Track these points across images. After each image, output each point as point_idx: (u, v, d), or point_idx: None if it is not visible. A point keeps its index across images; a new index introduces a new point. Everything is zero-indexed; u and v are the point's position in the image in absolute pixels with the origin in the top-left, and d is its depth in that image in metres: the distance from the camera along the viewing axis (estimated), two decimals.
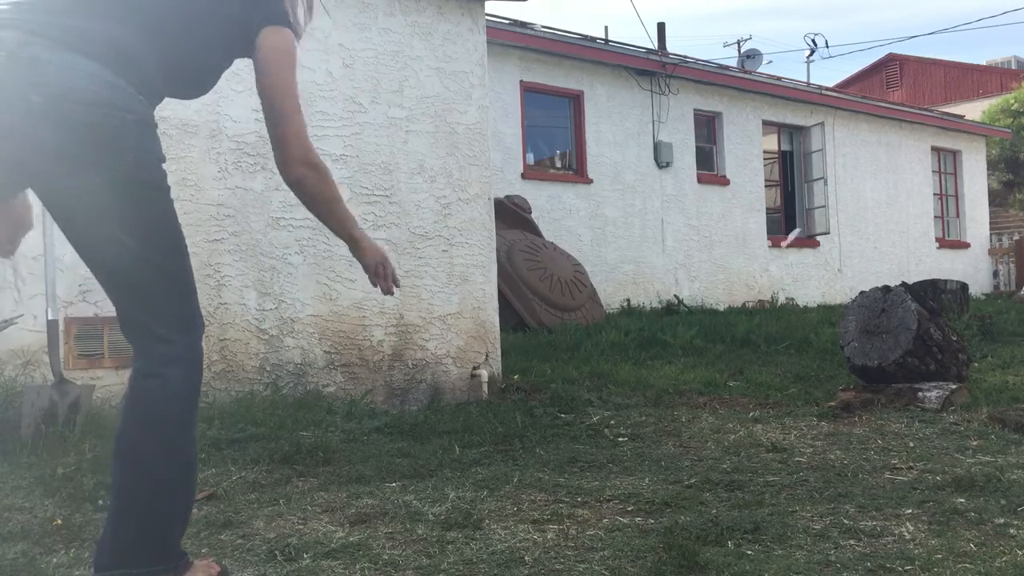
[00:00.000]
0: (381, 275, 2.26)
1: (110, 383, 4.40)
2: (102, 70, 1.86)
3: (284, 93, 2.10)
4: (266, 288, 5.03)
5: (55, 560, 2.47)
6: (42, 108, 1.79)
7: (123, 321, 2.03)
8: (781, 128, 14.69)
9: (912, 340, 5.00)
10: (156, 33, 2.00)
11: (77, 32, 1.87)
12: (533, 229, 9.98)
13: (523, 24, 11.14)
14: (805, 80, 17.01)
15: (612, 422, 4.61)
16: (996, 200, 21.87)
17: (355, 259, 2.29)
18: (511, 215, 9.70)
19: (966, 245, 17.63)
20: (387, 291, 2.26)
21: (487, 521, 2.78)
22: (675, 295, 11.93)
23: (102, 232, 1.93)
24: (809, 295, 14.09)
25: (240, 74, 4.99)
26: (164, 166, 2.03)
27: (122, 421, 1.98)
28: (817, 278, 14.57)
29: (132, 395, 1.99)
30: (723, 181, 13.29)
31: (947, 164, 17.68)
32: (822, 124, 14.60)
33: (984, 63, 29.66)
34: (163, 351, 1.98)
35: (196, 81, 2.23)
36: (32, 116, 1.79)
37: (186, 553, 2.04)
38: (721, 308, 11.93)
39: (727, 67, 14.68)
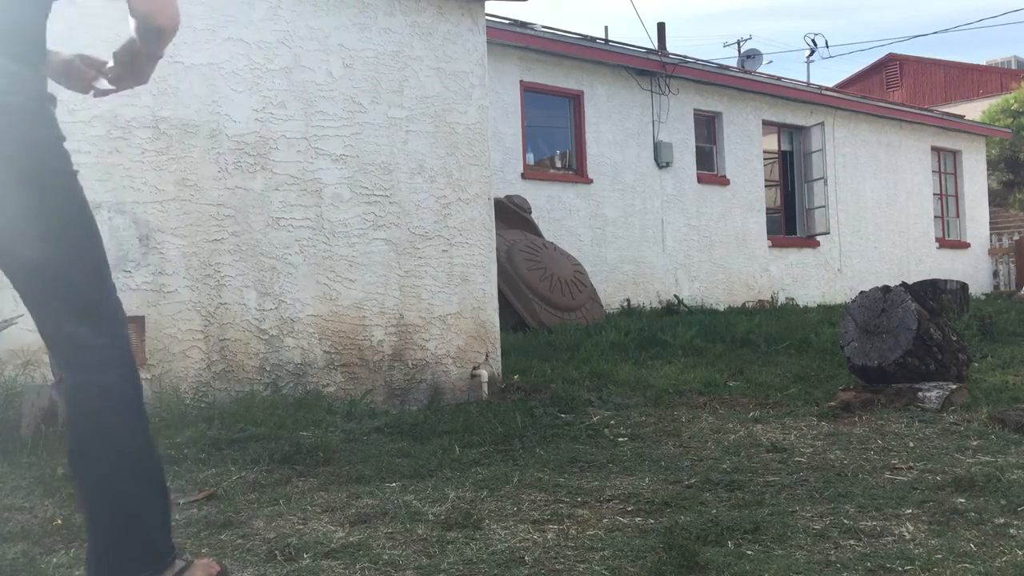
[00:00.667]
0: (123, 77, 2.03)
1: None
2: None
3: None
4: (266, 288, 5.03)
5: (55, 560, 2.47)
6: None
7: (42, 326, 1.92)
8: (781, 128, 14.69)
9: (912, 340, 5.00)
10: None
11: None
12: (533, 229, 9.98)
13: (523, 24, 11.14)
14: (805, 80, 17.02)
15: (612, 422, 4.61)
16: (996, 200, 21.87)
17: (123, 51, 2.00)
18: (511, 215, 9.70)
19: (966, 245, 17.63)
20: (86, 89, 2.06)
21: (487, 521, 2.78)
22: (675, 295, 11.93)
23: (7, 227, 1.83)
24: (809, 295, 14.09)
25: (240, 73, 5.00)
26: (65, 145, 1.91)
27: (69, 438, 1.91)
28: (817, 278, 14.57)
29: (72, 410, 1.90)
30: (723, 181, 13.29)
31: (947, 164, 17.68)
32: (822, 124, 14.60)
33: (984, 63, 29.67)
34: (92, 358, 1.88)
35: None
36: None
37: (175, 547, 2.01)
38: (721, 308, 11.93)
39: (727, 67, 14.68)
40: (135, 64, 2.00)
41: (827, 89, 16.66)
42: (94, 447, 1.88)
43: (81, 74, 2.07)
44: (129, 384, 1.93)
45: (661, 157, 12.35)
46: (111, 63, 2.03)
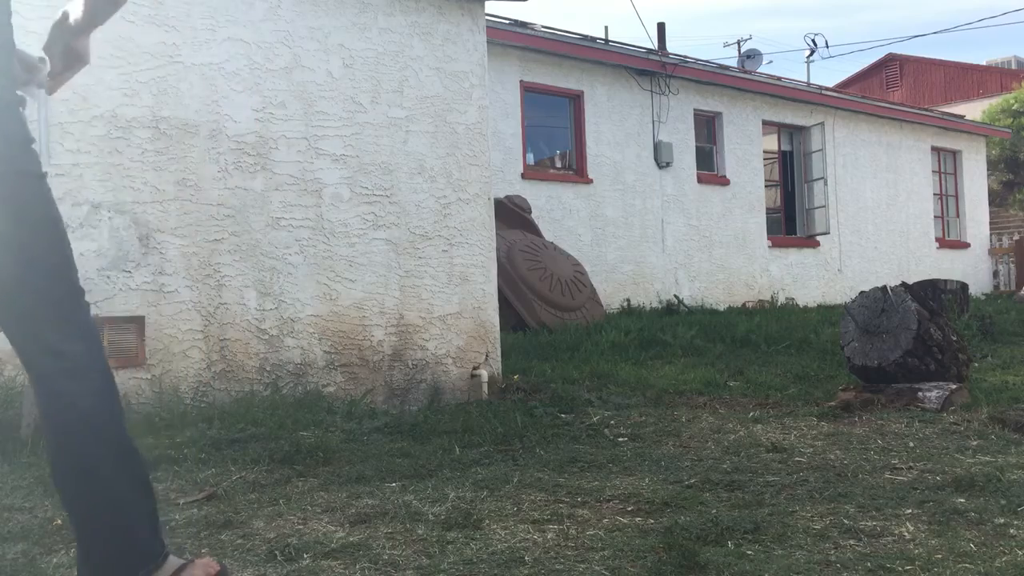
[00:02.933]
0: (66, 68, 1.94)
1: None
2: None
3: None
4: (266, 288, 5.03)
5: (55, 560, 2.47)
6: None
7: (15, 339, 1.87)
8: (781, 128, 14.69)
9: (912, 340, 5.00)
10: None
11: None
12: (533, 229, 9.98)
13: (523, 24, 11.14)
14: (805, 80, 17.02)
15: (612, 422, 4.61)
16: (996, 200, 21.87)
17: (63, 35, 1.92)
18: (511, 215, 9.70)
19: (966, 245, 17.63)
20: (51, 84, 1.97)
21: (487, 521, 2.78)
22: (675, 295, 11.93)
23: None
24: (809, 295, 14.09)
25: (240, 73, 5.00)
26: (34, 147, 1.85)
27: (49, 447, 1.89)
28: (817, 278, 14.57)
29: (48, 421, 1.87)
30: (723, 181, 13.29)
31: (947, 164, 17.68)
32: (822, 124, 14.60)
33: (984, 63, 29.66)
34: (61, 366, 1.84)
35: None
36: None
37: (167, 546, 1.99)
38: (721, 308, 11.93)
39: (727, 67, 14.68)
40: (74, 40, 1.91)
41: (827, 89, 16.66)
42: (72, 454, 1.86)
43: (24, 78, 1.99)
44: (101, 393, 1.89)
45: (661, 157, 12.36)
46: (47, 62, 1.95)
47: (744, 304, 12.63)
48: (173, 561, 1.97)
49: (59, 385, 1.85)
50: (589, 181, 11.67)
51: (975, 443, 3.85)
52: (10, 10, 1.92)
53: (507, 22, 10.84)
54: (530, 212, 10.19)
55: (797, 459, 3.63)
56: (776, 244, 14.07)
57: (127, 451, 1.93)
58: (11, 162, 1.81)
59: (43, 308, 1.85)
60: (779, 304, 12.96)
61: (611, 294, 11.42)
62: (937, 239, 16.95)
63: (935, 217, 17.00)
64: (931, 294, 8.06)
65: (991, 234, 18.56)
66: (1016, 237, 18.51)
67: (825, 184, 14.56)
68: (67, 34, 1.90)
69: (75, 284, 1.92)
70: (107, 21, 1.91)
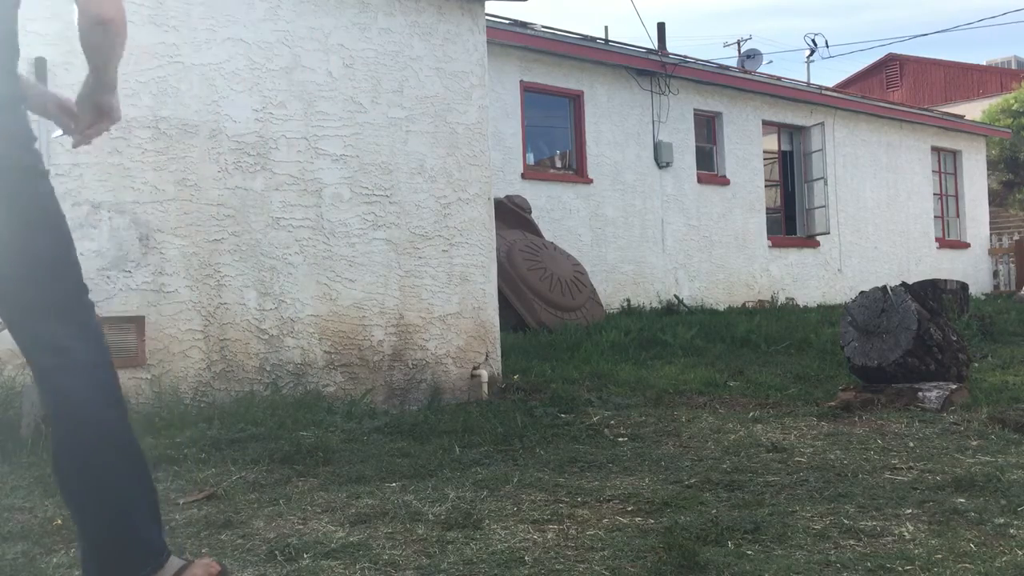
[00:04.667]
0: (91, 123, 1.91)
1: None
2: None
3: None
4: (266, 288, 5.03)
5: (55, 560, 2.47)
6: None
7: (17, 336, 1.89)
8: (781, 128, 14.69)
9: (912, 340, 5.00)
10: None
11: None
12: (533, 229, 9.98)
13: (523, 24, 11.14)
14: (805, 80, 17.02)
15: (612, 422, 4.61)
16: (996, 200, 21.87)
17: (90, 101, 1.90)
18: (511, 215, 9.70)
19: (966, 245, 17.63)
20: (77, 138, 1.94)
21: (487, 521, 2.78)
22: (675, 295, 11.93)
23: None
24: (809, 295, 14.09)
25: (240, 73, 5.00)
26: (36, 145, 1.86)
27: (52, 443, 1.89)
28: (817, 278, 14.57)
29: (53, 417, 1.89)
30: (723, 181, 13.29)
31: (947, 164, 17.68)
32: (822, 124, 14.60)
33: (984, 63, 29.67)
34: (59, 362, 1.85)
35: None
36: None
37: (166, 545, 2.00)
38: (721, 308, 11.93)
39: (727, 67, 14.68)
40: (95, 97, 1.89)
41: (827, 89, 16.66)
42: (76, 450, 1.87)
43: (59, 119, 2.02)
44: (107, 387, 1.90)
45: (661, 157, 12.35)
46: (78, 110, 1.94)
47: (744, 304, 12.63)
48: (174, 562, 1.98)
49: (62, 381, 1.86)
50: (589, 181, 11.67)
51: (975, 443, 3.85)
52: (17, 6, 1.92)
53: (507, 22, 10.84)
54: (530, 212, 10.19)
55: (797, 459, 3.63)
56: (776, 244, 14.07)
57: (130, 449, 1.94)
58: (13, 159, 1.82)
59: (46, 305, 1.86)
60: (779, 304, 12.96)
61: (611, 294, 11.42)
62: (937, 239, 16.94)
63: (935, 217, 17.00)
64: (931, 294, 8.06)
65: (991, 234, 18.55)
66: (1016, 237, 18.52)
67: (825, 184, 14.56)
68: (89, 91, 1.89)
69: (78, 281, 1.92)
70: (112, 68, 1.88)
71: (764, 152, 14.30)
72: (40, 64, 4.26)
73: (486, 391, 5.70)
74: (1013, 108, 23.83)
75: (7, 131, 1.82)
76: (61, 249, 1.90)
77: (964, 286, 9.63)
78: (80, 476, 1.88)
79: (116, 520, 1.89)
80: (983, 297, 14.56)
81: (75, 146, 1.98)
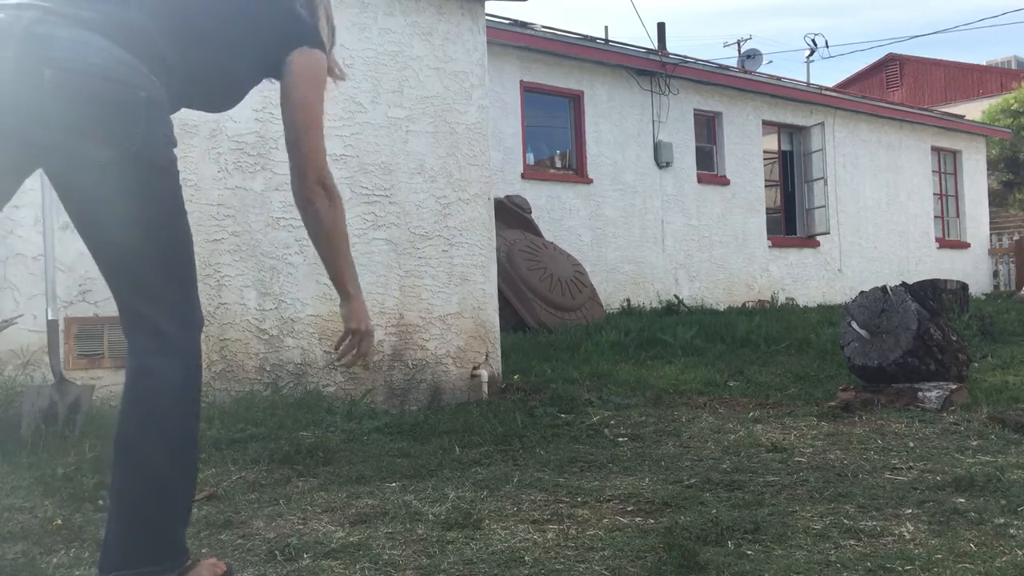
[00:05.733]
0: (353, 347, 2.21)
1: (110, 383, 4.40)
2: (115, 47, 1.85)
3: (307, 109, 2.13)
4: (266, 288, 5.03)
5: (55, 560, 2.47)
6: (54, 82, 1.77)
7: (121, 311, 1.99)
8: (781, 128, 14.69)
9: (912, 340, 5.00)
10: (180, 31, 2.00)
11: (94, 12, 1.87)
12: (533, 229, 9.98)
13: (523, 24, 11.14)
14: (805, 80, 17.02)
15: (612, 422, 4.61)
16: (996, 200, 21.87)
17: (341, 317, 2.21)
18: (511, 215, 9.70)
19: (966, 245, 17.63)
20: (347, 364, 2.21)
21: (487, 521, 2.78)
22: (675, 295, 11.93)
23: (104, 210, 1.90)
24: (809, 295, 14.09)
25: None
26: (176, 151, 2.01)
27: (119, 421, 1.94)
28: (817, 278, 14.57)
29: (127, 394, 1.95)
30: (723, 181, 13.29)
31: (947, 164, 17.69)
32: (822, 124, 14.60)
33: (984, 63, 29.66)
34: (157, 345, 1.93)
35: (221, 89, 2.21)
36: (43, 90, 1.77)
37: (188, 549, 2.03)
38: (721, 308, 11.93)
39: (727, 67, 14.68)
40: (345, 321, 2.26)
41: (827, 89, 16.67)
42: (141, 430, 1.91)
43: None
44: (187, 377, 1.96)
45: (661, 157, 12.36)
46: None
47: (744, 304, 12.63)
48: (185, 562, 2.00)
49: (156, 363, 1.93)
50: (589, 181, 11.67)
51: (975, 443, 3.85)
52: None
53: (507, 22, 10.84)
54: (530, 212, 10.19)
55: (797, 459, 3.63)
56: (776, 244, 14.07)
57: (190, 444, 1.99)
58: (157, 157, 1.96)
59: (157, 290, 1.95)
60: (779, 304, 12.96)
61: (611, 294, 11.42)
62: (937, 239, 16.95)
63: (935, 217, 17.00)
64: (931, 294, 8.06)
65: (991, 234, 18.56)
66: (1016, 237, 18.52)
67: (825, 184, 14.56)
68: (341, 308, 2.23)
69: (191, 276, 2.01)
70: (343, 271, 2.29)
71: (764, 152, 14.31)
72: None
73: (486, 391, 5.70)
74: (1013, 108, 23.83)
75: (152, 133, 1.94)
76: (183, 242, 2.00)
77: (964, 286, 9.63)
78: (140, 455, 1.91)
79: (156, 508, 1.92)
80: (983, 297, 14.56)
81: (345, 364, 2.24)
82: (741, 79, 13.93)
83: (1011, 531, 2.55)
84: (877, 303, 5.23)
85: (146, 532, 1.91)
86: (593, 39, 12.14)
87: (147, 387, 1.93)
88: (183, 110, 2.22)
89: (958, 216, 17.81)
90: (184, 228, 2.02)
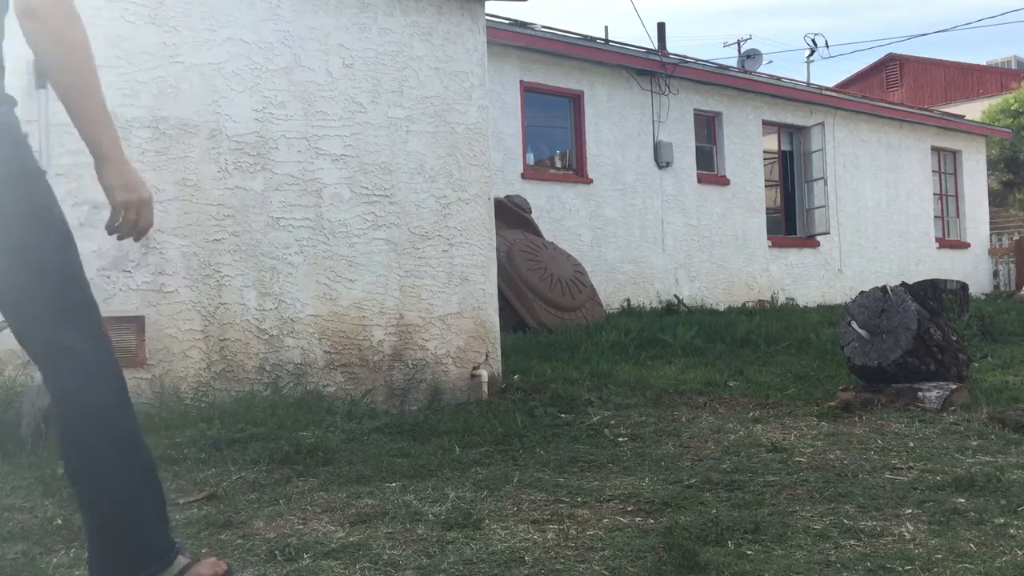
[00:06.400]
0: (127, 223, 1.88)
1: None
2: None
3: None
4: (266, 288, 5.03)
5: (55, 560, 2.47)
6: None
7: (20, 336, 1.88)
8: (781, 128, 14.69)
9: (912, 340, 5.00)
10: None
11: None
12: (533, 229, 9.98)
13: (523, 24, 11.14)
14: (805, 80, 17.01)
15: (612, 422, 4.61)
16: (996, 200, 21.87)
17: (103, 189, 1.87)
18: (511, 215, 9.70)
19: (966, 245, 17.63)
20: (122, 238, 1.91)
21: (487, 521, 2.78)
22: (675, 295, 11.93)
23: None
24: (809, 295, 14.09)
25: (240, 74, 5.00)
26: (28, 143, 1.86)
27: (61, 448, 1.90)
28: (817, 278, 14.57)
29: (58, 422, 1.90)
30: (723, 181, 13.29)
31: (947, 164, 17.68)
32: (822, 124, 14.60)
33: (984, 63, 29.66)
34: (70, 365, 1.85)
35: None
36: None
37: (176, 544, 2.02)
38: (721, 308, 11.93)
39: (727, 67, 14.68)
40: (107, 192, 1.88)
41: (827, 89, 16.66)
42: (83, 452, 1.88)
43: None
44: (111, 390, 1.90)
45: (661, 157, 12.35)
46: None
47: (744, 304, 12.63)
48: (180, 560, 1.99)
49: (72, 383, 1.86)
50: (589, 181, 11.67)
51: (975, 443, 3.85)
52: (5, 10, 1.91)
53: (507, 22, 10.84)
54: (530, 212, 10.19)
55: (797, 459, 3.63)
56: (776, 244, 14.07)
57: (139, 449, 1.95)
58: (22, 163, 1.82)
59: (53, 310, 1.86)
60: (779, 304, 12.96)
61: (611, 294, 11.42)
62: (937, 239, 16.94)
63: (935, 217, 17.00)
64: (931, 294, 8.06)
65: (991, 234, 18.56)
66: (1016, 237, 18.51)
67: (825, 184, 14.56)
68: (100, 177, 1.86)
69: (82, 280, 1.92)
70: (90, 119, 1.80)
71: (764, 152, 14.31)
72: (40, 67, 4.25)
73: (486, 391, 5.70)
74: (1013, 108, 23.83)
75: (10, 140, 1.80)
76: (64, 250, 1.89)
77: (964, 286, 9.63)
78: (90, 476, 1.89)
79: (123, 519, 1.90)
80: (983, 297, 14.55)
81: (122, 237, 1.92)
82: (741, 79, 13.93)
83: (1011, 531, 2.55)
84: (877, 303, 5.23)
85: (121, 543, 1.90)
86: (593, 39, 12.14)
87: (76, 412, 1.86)
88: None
89: (958, 216, 17.81)
90: (61, 230, 1.88)
